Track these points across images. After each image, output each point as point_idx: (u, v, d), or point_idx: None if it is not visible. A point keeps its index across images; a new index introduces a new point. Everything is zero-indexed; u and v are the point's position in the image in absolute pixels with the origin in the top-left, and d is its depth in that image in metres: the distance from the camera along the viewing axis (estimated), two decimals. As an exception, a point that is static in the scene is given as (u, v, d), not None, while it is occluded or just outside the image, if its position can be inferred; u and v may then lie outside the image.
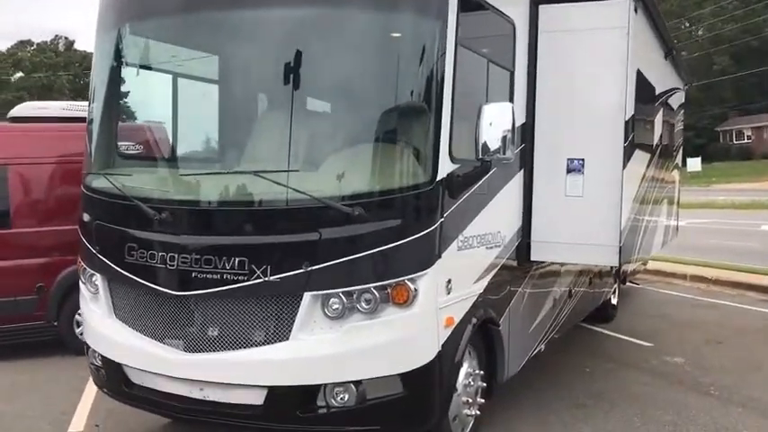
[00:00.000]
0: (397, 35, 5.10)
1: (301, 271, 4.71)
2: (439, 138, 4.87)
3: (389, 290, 4.76)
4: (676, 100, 10.44)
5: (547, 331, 7.59)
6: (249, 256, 4.76)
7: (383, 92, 5.10)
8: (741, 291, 14.17)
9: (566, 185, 6.55)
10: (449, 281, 5.08)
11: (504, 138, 5.04)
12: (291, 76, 4.99)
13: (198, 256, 4.86)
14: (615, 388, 7.82)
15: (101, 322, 5.51)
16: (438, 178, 4.87)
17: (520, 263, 6.60)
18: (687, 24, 75.30)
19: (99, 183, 5.58)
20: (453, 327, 5.19)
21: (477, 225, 5.52)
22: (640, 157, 7.37)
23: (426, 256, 4.86)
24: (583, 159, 6.49)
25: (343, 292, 4.75)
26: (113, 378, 5.51)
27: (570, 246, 6.56)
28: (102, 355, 5.53)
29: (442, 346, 5.01)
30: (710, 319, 11.65)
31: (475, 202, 5.47)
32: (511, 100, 6.14)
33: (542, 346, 7.52)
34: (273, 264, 4.75)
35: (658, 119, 8.57)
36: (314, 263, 4.71)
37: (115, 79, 5.80)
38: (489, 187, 5.74)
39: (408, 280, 4.77)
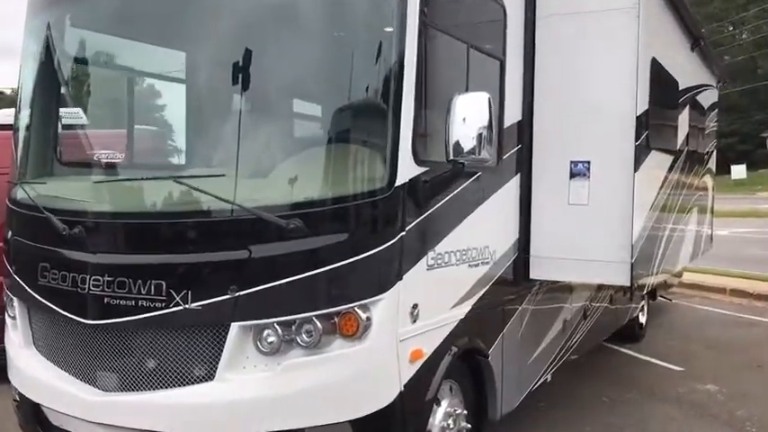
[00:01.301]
0: (347, 15, 4.26)
1: (228, 297, 3.90)
2: (398, 135, 4.02)
3: (336, 319, 3.92)
4: (707, 98, 9.43)
5: (554, 359, 6.67)
6: (166, 279, 3.96)
7: (329, 82, 4.29)
8: (788, 307, 13.13)
9: (569, 192, 5.67)
10: (414, 306, 4.23)
11: (480, 135, 4.17)
12: (223, 70, 4.20)
13: (110, 279, 4.07)
14: (635, 422, 6.86)
15: (18, 353, 4.78)
16: (397, 183, 4.02)
17: (518, 281, 5.72)
18: (731, 28, 73.14)
19: (18, 193, 4.87)
20: (423, 360, 4.32)
21: (455, 239, 4.67)
22: (659, 159, 6.44)
23: (382, 278, 4.01)
24: (588, 162, 5.60)
25: (279, 323, 3.91)
26: (30, 419, 4.76)
27: (574, 262, 5.67)
28: (18, 392, 4.79)
29: (406, 385, 4.15)
30: (751, 340, 10.62)
31: (452, 211, 4.62)
32: (501, 93, 5.30)
33: (549, 376, 6.61)
34: (195, 288, 3.94)
35: (683, 117, 7.60)
36: (243, 287, 3.89)
37: (42, 78, 5.06)
38: (473, 194, 4.89)
39: (359, 307, 3.92)
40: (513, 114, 5.51)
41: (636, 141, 5.44)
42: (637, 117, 5.44)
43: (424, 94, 4.21)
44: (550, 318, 6.51)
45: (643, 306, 10.75)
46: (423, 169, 4.21)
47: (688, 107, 7.93)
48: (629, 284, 5.51)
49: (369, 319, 3.92)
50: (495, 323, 5.40)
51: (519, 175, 5.68)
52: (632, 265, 5.44)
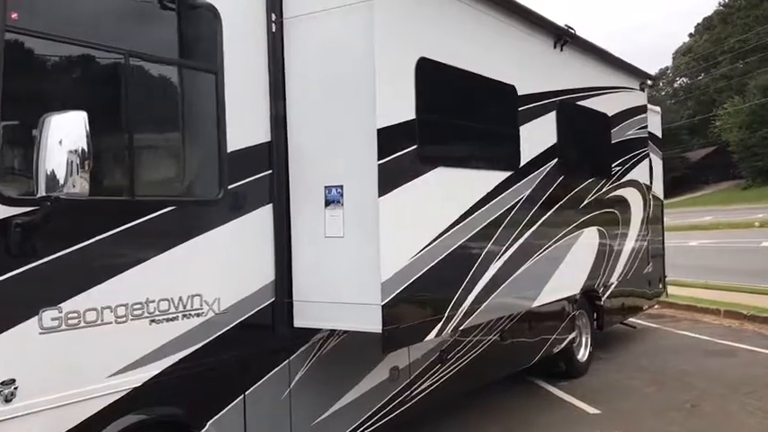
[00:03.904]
0: None
1: None
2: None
3: None
4: (612, 102, 8.11)
5: (375, 414, 5.68)
6: None
7: None
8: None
9: (325, 223, 4.76)
10: (11, 382, 3.41)
11: (71, 163, 3.35)
12: None
13: None
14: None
15: None
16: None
17: (278, 330, 4.83)
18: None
19: None
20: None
21: (114, 291, 3.84)
22: (461, 177, 5.35)
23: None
24: (341, 187, 4.69)
25: None
26: None
27: (331, 306, 4.76)
28: None
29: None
30: (712, 371, 9.45)
31: (99, 257, 3.79)
32: (219, 111, 4.46)
33: (371, 434, 5.63)
34: None
35: (539, 126, 6.44)
36: None
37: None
38: (152, 233, 4.05)
39: None
40: (251, 135, 4.67)
41: (382, 159, 4.51)
42: (381, 130, 4.50)
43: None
44: (363, 367, 5.55)
45: (578, 337, 9.60)
46: (17, 209, 3.42)
47: (556, 114, 6.81)
48: (379, 331, 4.54)
49: None
50: (226, 384, 4.51)
51: (271, 205, 4.81)
52: (383, 308, 4.49)
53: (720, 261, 22.46)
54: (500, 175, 5.87)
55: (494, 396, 8.46)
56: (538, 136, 6.48)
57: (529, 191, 6.27)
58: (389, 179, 4.56)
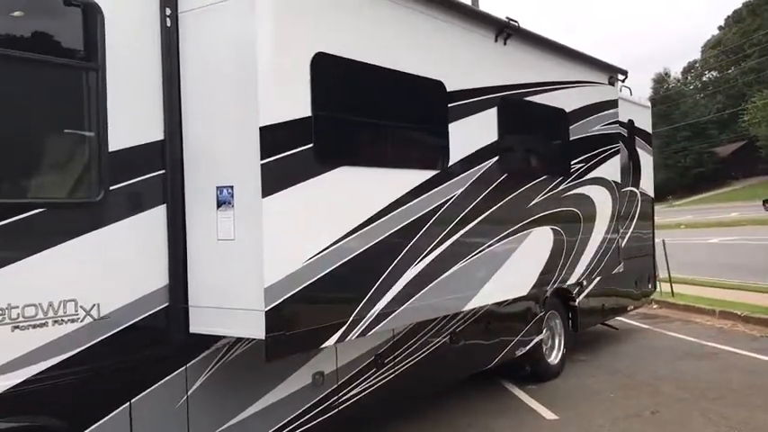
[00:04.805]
0: None
1: None
2: None
3: None
4: (571, 98, 7.69)
5: (295, 420, 5.49)
6: None
7: None
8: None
9: (217, 225, 4.58)
10: None
11: None
12: None
13: None
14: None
15: None
16: None
17: (173, 337, 4.67)
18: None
19: None
20: None
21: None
22: (360, 177, 5.05)
23: None
24: (232, 187, 4.50)
25: None
26: None
27: (222, 311, 4.57)
28: None
29: None
30: (685, 376, 9.18)
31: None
32: (101, 111, 4.29)
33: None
34: None
35: (467, 125, 6.11)
36: None
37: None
38: (10, 236, 3.90)
39: None
40: (138, 134, 4.49)
41: (266, 159, 4.31)
42: (264, 128, 4.30)
43: None
44: (279, 373, 5.35)
45: (550, 339, 9.33)
46: None
47: (497, 110, 6.49)
48: (263, 338, 4.34)
49: None
50: (107, 392, 4.35)
51: (165, 205, 4.63)
52: (267, 313, 4.29)
53: (741, 258, 22.01)
54: (424, 174, 5.61)
55: (453, 397, 8.26)
56: (474, 133, 6.20)
57: (461, 190, 6.00)
58: (276, 179, 4.36)
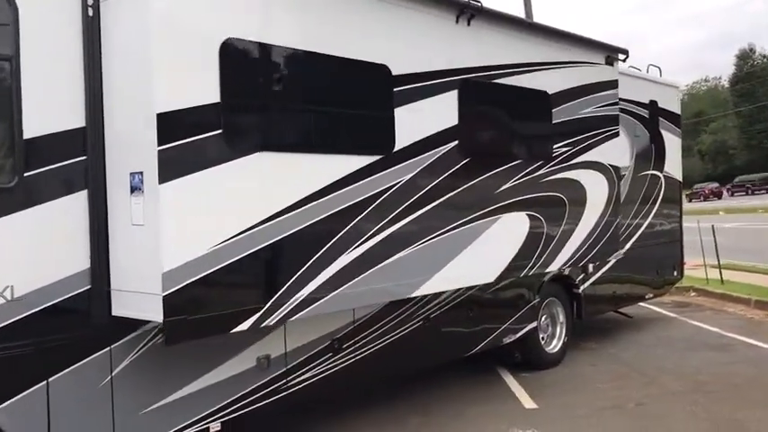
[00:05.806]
0: None
1: None
2: None
3: None
4: (545, 78, 7.36)
5: (237, 401, 5.55)
6: None
7: None
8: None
9: (131, 210, 4.67)
10: None
11: None
12: None
13: None
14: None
15: None
16: None
17: (94, 319, 4.79)
18: None
19: None
20: None
21: None
22: (281, 162, 5.04)
23: None
24: (141, 173, 4.57)
25: None
26: None
27: (133, 295, 4.66)
28: None
29: None
30: (688, 368, 8.86)
31: None
32: (15, 99, 4.42)
33: (218, 424, 5.52)
34: None
35: (417, 109, 5.96)
36: None
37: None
38: None
39: None
40: (55, 121, 4.60)
41: (164, 145, 4.36)
42: (162, 114, 4.35)
43: None
44: (218, 356, 5.43)
45: (549, 327, 9.14)
46: None
47: (458, 93, 6.32)
48: (160, 321, 4.41)
49: None
50: (21, 371, 4.50)
51: (86, 191, 4.75)
52: (165, 298, 4.36)
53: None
54: (362, 160, 5.55)
55: (435, 382, 8.23)
56: (426, 118, 6.09)
57: (410, 175, 5.92)
58: (175, 165, 4.41)
